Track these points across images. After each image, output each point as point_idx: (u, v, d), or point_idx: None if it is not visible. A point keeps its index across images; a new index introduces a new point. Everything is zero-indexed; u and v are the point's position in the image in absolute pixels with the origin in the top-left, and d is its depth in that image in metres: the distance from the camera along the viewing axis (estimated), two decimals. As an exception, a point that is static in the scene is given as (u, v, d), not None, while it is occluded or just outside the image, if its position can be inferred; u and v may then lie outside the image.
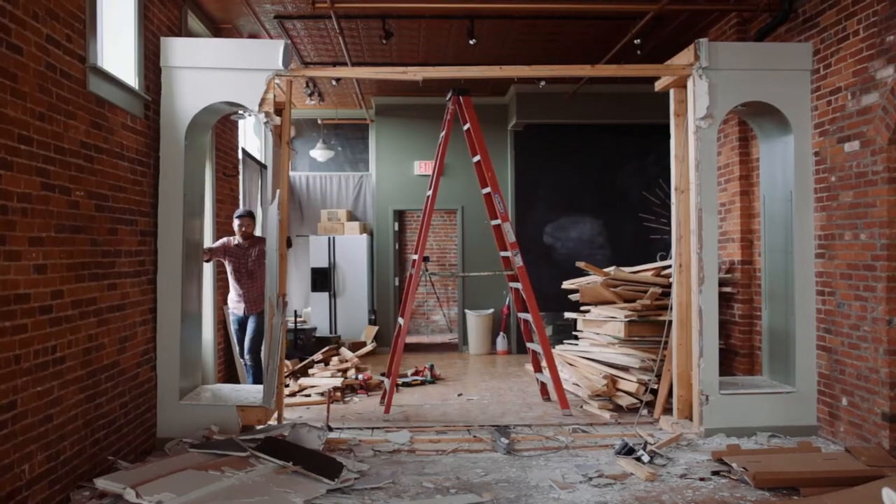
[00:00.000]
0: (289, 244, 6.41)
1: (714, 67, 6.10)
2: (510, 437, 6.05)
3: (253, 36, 8.15)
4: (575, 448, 5.83)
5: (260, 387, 6.24)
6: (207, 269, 7.38)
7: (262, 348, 6.56)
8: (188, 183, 6.09)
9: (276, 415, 6.14)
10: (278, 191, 6.22)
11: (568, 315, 8.57)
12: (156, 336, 5.87)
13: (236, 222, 7.50)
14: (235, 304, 7.60)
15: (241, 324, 7.62)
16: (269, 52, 6.11)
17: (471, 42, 7.89)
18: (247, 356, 7.54)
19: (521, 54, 8.97)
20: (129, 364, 5.38)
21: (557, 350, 8.22)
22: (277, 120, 6.21)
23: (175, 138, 5.97)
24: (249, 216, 7.58)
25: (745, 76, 6.16)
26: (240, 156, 8.91)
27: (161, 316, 5.88)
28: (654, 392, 6.82)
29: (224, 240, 7.51)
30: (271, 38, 8.15)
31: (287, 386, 7.80)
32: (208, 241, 7.42)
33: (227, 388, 6.57)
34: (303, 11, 7.45)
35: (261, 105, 6.06)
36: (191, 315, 6.24)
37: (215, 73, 6.08)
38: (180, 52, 6.09)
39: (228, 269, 7.53)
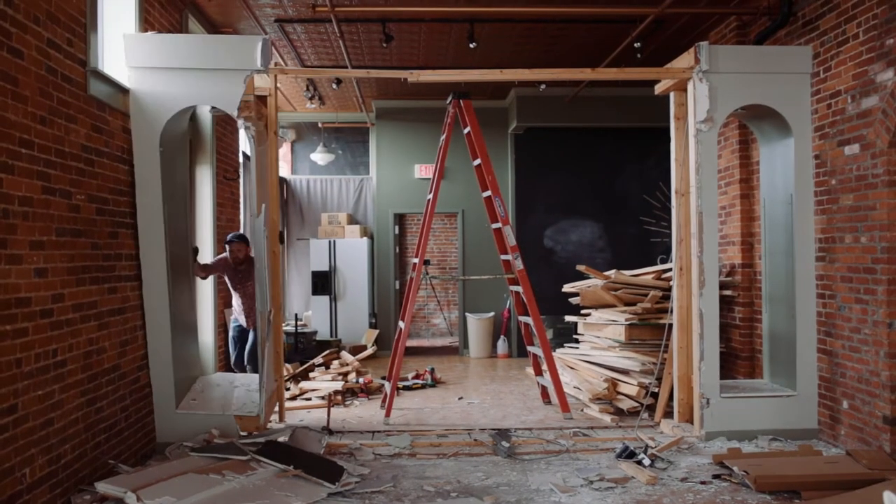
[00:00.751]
0: (280, 240, 6.29)
1: (714, 71, 6.11)
2: (511, 441, 6.04)
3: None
4: (576, 451, 5.82)
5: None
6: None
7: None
8: (168, 191, 5.72)
9: (278, 417, 6.14)
10: (263, 205, 5.90)
11: (568, 318, 8.57)
12: (147, 347, 5.68)
13: (227, 248, 7.31)
14: (238, 314, 7.60)
15: (242, 333, 7.61)
16: (246, 50, 5.73)
17: (471, 45, 7.90)
18: (248, 365, 7.53)
19: (522, 58, 8.98)
20: (129, 368, 5.38)
21: (558, 353, 8.22)
22: (261, 126, 5.96)
23: (149, 146, 5.53)
24: (240, 241, 7.34)
25: (745, 79, 6.16)
26: (240, 159, 8.92)
27: (150, 328, 5.65)
28: (655, 395, 6.82)
29: (224, 255, 7.36)
30: (272, 42, 8.16)
31: (287, 389, 7.80)
32: (209, 245, 7.41)
33: (226, 384, 6.49)
34: (303, 15, 7.46)
35: (240, 109, 5.67)
36: (184, 322, 6.14)
37: (188, 73, 5.65)
38: (147, 50, 5.62)
39: (229, 284, 7.50)
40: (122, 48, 5.63)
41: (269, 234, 6.04)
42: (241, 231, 8.72)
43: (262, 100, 6.24)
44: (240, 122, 5.72)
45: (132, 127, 5.52)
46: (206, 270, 7.06)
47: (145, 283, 5.60)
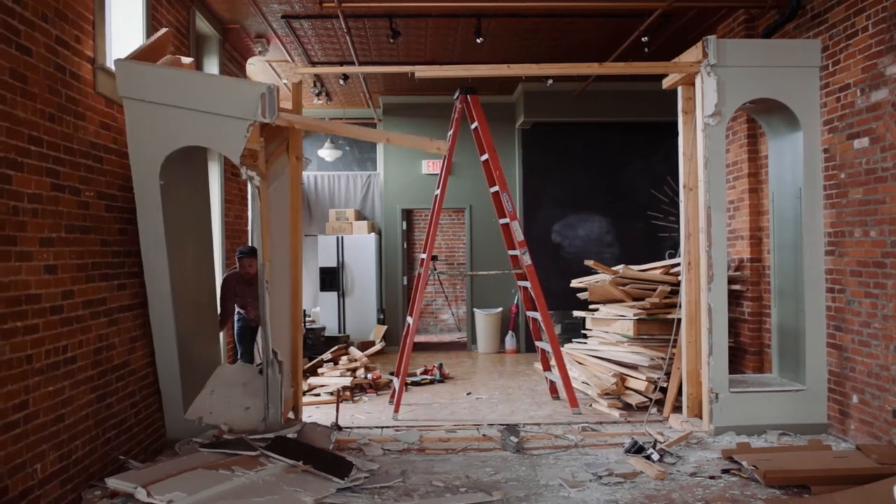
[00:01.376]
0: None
1: (722, 64, 6.08)
2: (519, 436, 6.05)
3: (260, 36, 8.16)
4: (584, 446, 5.83)
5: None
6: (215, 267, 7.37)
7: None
8: (171, 219, 5.35)
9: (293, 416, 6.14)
10: (268, 264, 5.45)
11: (577, 313, 8.56)
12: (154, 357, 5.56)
13: (239, 262, 7.08)
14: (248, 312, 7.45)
15: (244, 329, 7.41)
16: (249, 99, 5.11)
17: (478, 41, 7.89)
18: (239, 348, 7.49)
19: (529, 53, 8.97)
20: (139, 364, 5.40)
21: (566, 348, 8.22)
22: (278, 165, 5.62)
23: (147, 178, 5.14)
24: (251, 255, 6.93)
25: (754, 73, 6.14)
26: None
27: (158, 345, 5.49)
28: (664, 390, 6.81)
29: (230, 274, 7.08)
30: (279, 38, 8.16)
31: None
32: (218, 242, 7.40)
33: (238, 384, 6.38)
34: (310, 11, 7.46)
35: (243, 158, 5.14)
36: (197, 330, 6.02)
37: (187, 113, 5.14)
38: (143, 82, 5.09)
39: (238, 304, 7.27)
40: (125, 49, 5.62)
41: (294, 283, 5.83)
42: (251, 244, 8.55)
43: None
44: (242, 171, 5.26)
45: (130, 159, 5.14)
46: (226, 312, 6.94)
47: (151, 304, 5.37)
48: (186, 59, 5.74)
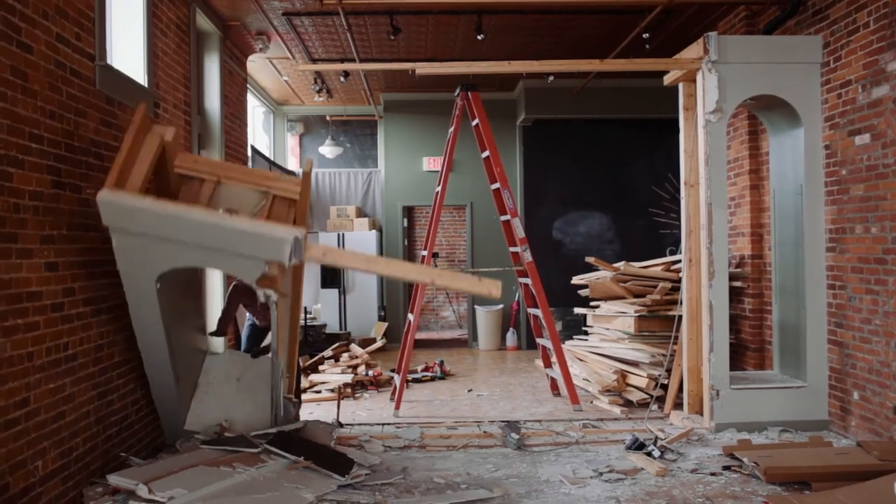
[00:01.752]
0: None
1: (723, 61, 6.08)
2: (520, 433, 6.05)
3: (261, 33, 8.14)
4: (585, 443, 5.83)
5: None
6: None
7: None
8: (167, 319, 4.91)
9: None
10: (283, 358, 5.32)
11: (577, 310, 8.56)
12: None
13: None
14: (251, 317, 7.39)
15: (255, 330, 7.44)
16: (272, 245, 4.37)
17: (479, 37, 7.88)
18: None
19: (530, 49, 8.95)
20: (139, 361, 5.38)
21: (567, 345, 8.22)
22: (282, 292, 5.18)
23: (142, 291, 4.70)
24: None
25: (755, 69, 6.13)
26: (249, 153, 8.93)
27: (150, 370, 5.17)
28: (665, 387, 6.81)
29: (234, 297, 6.94)
30: (280, 35, 8.15)
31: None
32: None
33: (232, 380, 6.24)
34: (311, 8, 7.44)
35: (259, 280, 4.62)
36: (190, 337, 5.76)
37: (187, 246, 4.50)
38: (132, 216, 4.31)
39: (248, 311, 7.25)
40: (131, 44, 5.61)
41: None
42: None
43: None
44: (259, 292, 4.77)
45: (120, 274, 4.62)
46: (227, 318, 6.85)
47: (143, 349, 5.04)
48: (169, 134, 4.88)
